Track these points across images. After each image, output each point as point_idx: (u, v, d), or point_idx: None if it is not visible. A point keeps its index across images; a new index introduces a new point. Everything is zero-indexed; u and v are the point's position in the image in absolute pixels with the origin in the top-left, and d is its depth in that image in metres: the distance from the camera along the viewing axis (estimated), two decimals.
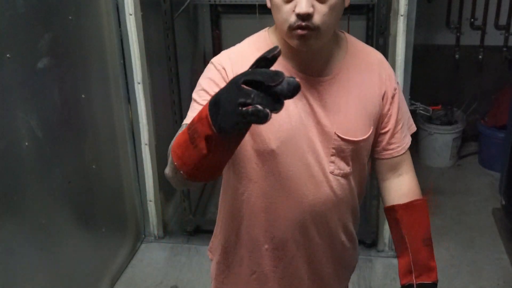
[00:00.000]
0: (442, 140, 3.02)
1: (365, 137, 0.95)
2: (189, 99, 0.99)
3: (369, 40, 2.64)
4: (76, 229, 1.85)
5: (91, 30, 1.90)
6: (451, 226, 2.50)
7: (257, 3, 2.16)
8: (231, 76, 0.88)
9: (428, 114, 2.22)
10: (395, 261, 2.18)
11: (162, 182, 2.31)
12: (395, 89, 0.98)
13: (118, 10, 1.99)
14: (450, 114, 3.04)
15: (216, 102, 0.63)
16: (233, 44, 0.97)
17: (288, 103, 0.80)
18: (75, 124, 1.83)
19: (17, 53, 1.46)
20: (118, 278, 2.11)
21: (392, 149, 1.02)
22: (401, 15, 1.89)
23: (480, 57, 3.05)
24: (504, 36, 2.99)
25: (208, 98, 0.77)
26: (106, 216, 2.09)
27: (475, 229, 2.47)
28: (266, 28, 0.97)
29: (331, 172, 0.95)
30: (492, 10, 2.97)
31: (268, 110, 0.57)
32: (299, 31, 0.82)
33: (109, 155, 2.09)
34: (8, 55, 1.43)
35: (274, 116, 0.73)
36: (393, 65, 1.98)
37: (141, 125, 2.17)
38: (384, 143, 1.00)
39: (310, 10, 0.81)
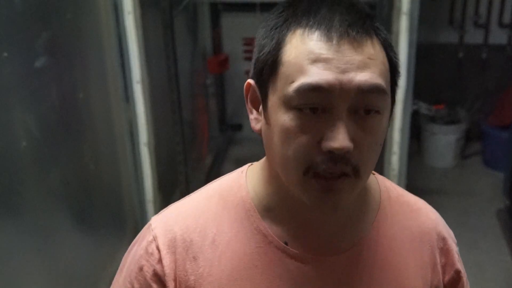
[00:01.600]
0: (445, 140, 2.99)
1: None
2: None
3: None
4: (74, 230, 1.84)
5: (89, 28, 1.88)
6: (454, 227, 2.45)
7: (258, 1, 2.14)
8: (171, 274, 0.57)
9: (431, 113, 2.19)
10: None
11: (161, 182, 2.30)
12: (458, 273, 0.63)
13: (117, 8, 1.98)
14: (454, 113, 3.01)
15: None
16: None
17: None
18: (73, 124, 1.81)
19: (14, 52, 1.45)
20: None
21: None
22: (404, 13, 1.87)
23: (483, 56, 3.02)
24: (508, 34, 2.96)
25: None
26: (105, 217, 2.08)
27: (478, 230, 2.45)
28: (246, 166, 0.62)
29: None
30: (496, 8, 2.94)
31: None
32: (325, 180, 0.49)
33: (108, 155, 2.08)
34: (5, 54, 1.41)
35: None
36: None
37: (140, 124, 2.16)
38: None
39: (350, 145, 0.48)
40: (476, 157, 3.12)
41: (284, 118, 0.49)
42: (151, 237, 0.59)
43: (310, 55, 0.48)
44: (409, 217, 0.62)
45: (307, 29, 0.49)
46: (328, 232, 0.57)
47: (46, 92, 1.63)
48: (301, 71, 0.48)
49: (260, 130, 0.55)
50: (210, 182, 0.63)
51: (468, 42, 3.03)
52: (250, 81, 0.55)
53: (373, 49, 0.49)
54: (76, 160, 1.83)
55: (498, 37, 2.98)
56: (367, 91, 0.48)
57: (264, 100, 0.53)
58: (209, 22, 2.86)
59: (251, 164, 0.62)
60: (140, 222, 2.36)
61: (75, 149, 1.82)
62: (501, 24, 2.97)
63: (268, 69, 0.51)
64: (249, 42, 2.46)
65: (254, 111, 0.56)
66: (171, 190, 2.46)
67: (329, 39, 0.47)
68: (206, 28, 2.87)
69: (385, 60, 0.51)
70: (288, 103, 0.49)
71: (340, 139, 0.47)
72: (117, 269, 0.71)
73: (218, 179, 0.63)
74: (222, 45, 2.87)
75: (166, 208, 0.63)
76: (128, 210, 2.28)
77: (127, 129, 2.17)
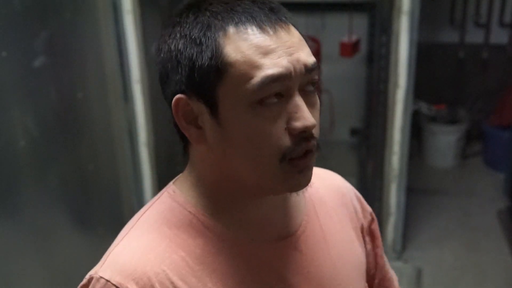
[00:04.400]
0: (446, 140, 2.98)
1: None
2: None
3: (371, 39, 2.60)
4: (72, 230, 1.83)
5: (88, 28, 1.87)
6: (455, 227, 2.47)
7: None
8: None
9: (431, 113, 2.18)
10: (398, 264, 2.16)
11: (160, 182, 2.29)
12: (371, 214, 0.70)
13: (116, 8, 1.97)
14: (454, 113, 3.00)
15: None
16: None
17: None
18: (72, 123, 1.80)
19: (13, 52, 1.44)
20: None
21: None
22: (404, 13, 1.86)
23: (484, 55, 3.01)
24: (509, 34, 2.95)
25: None
26: (103, 217, 2.07)
27: (479, 230, 2.44)
28: (171, 187, 0.59)
29: None
30: (497, 8, 2.93)
31: None
32: (300, 160, 0.51)
33: (107, 155, 2.07)
34: (4, 54, 1.40)
35: None
36: (396, 63, 1.95)
37: (139, 124, 2.15)
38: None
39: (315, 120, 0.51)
40: (477, 157, 3.11)
41: (248, 116, 0.50)
42: None
43: (259, 49, 0.49)
44: (323, 182, 0.66)
45: (239, 27, 0.50)
46: (283, 215, 0.59)
47: (45, 91, 1.62)
48: (256, 66, 0.49)
49: (204, 144, 0.54)
50: (136, 219, 0.58)
51: (468, 42, 3.02)
52: (181, 96, 0.52)
53: (296, 32, 0.53)
54: (74, 160, 1.82)
55: (498, 36, 2.97)
56: (311, 68, 0.51)
57: (214, 109, 0.51)
58: None
59: (173, 184, 0.60)
60: None
61: (73, 149, 1.82)
62: (502, 24, 2.96)
63: (214, 77, 0.50)
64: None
65: (192, 127, 0.54)
66: None
67: (265, 31, 0.50)
68: None
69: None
70: (250, 100, 0.49)
71: (308, 117, 0.50)
72: None
73: (144, 211, 0.58)
74: None
75: (106, 258, 0.55)
76: (127, 211, 2.27)
77: (126, 129, 2.16)
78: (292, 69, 0.49)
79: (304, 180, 0.53)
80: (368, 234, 0.69)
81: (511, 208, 2.43)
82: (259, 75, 0.48)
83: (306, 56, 0.51)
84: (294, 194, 0.58)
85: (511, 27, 2.94)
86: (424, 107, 2.23)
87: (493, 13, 2.94)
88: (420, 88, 2.17)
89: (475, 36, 3.00)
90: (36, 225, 1.59)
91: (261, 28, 0.50)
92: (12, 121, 1.46)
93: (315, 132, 0.52)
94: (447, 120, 2.99)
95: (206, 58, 0.50)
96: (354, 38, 2.24)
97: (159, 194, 0.60)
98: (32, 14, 1.53)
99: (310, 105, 0.52)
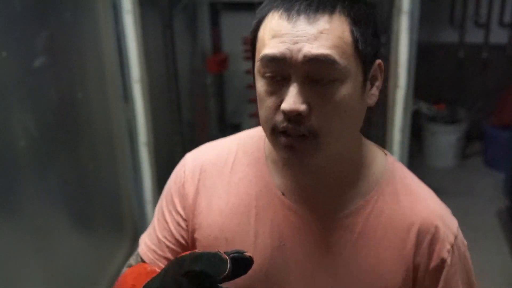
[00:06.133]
0: (446, 140, 2.98)
1: None
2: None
3: None
4: (72, 230, 1.83)
5: (88, 27, 1.87)
6: None
7: (257, 1, 2.13)
8: (190, 195, 0.70)
9: (431, 113, 2.18)
10: None
11: (160, 182, 2.29)
12: (443, 262, 0.65)
13: (116, 7, 1.97)
14: (454, 113, 3.01)
15: None
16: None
17: (263, 244, 0.64)
18: (72, 123, 1.80)
19: (13, 52, 1.44)
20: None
21: None
22: (404, 13, 1.86)
23: (484, 55, 3.01)
24: (509, 34, 2.96)
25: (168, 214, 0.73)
26: (103, 217, 2.07)
27: (479, 230, 2.44)
28: None
29: None
30: (496, 8, 2.93)
31: None
32: (284, 138, 0.57)
33: (106, 155, 2.07)
34: (4, 54, 1.40)
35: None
36: (396, 63, 1.95)
37: (139, 124, 2.15)
38: None
39: (302, 107, 0.55)
40: (477, 157, 3.11)
41: (258, 85, 0.60)
42: (183, 163, 0.74)
43: (271, 32, 0.57)
44: (406, 199, 0.66)
45: (275, 11, 0.58)
46: (318, 193, 0.65)
47: (45, 91, 1.62)
48: (264, 45, 0.58)
49: None
50: (235, 135, 0.75)
51: (468, 42, 3.02)
52: None
53: (328, 24, 0.56)
54: (74, 160, 1.82)
55: (498, 36, 2.97)
56: (314, 60, 0.55)
57: (253, 70, 0.63)
58: (209, 22, 2.85)
59: None
60: (139, 222, 2.35)
61: (73, 149, 1.82)
62: (501, 24, 2.96)
63: (251, 45, 0.62)
64: (248, 41, 2.44)
65: None
66: None
67: (288, 17, 0.56)
68: (206, 27, 2.86)
69: (345, 34, 0.56)
70: (259, 72, 0.59)
71: (290, 102, 0.55)
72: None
73: (240, 133, 0.75)
74: (222, 45, 2.87)
75: (196, 151, 0.75)
76: (127, 211, 2.27)
77: (126, 129, 2.16)
78: (288, 55, 0.55)
79: (294, 158, 0.59)
80: (422, 277, 0.65)
81: (511, 208, 2.43)
82: (262, 52, 0.57)
83: (313, 48, 0.55)
84: (351, 177, 0.64)
85: (511, 27, 2.94)
86: (424, 107, 2.23)
87: (493, 13, 2.94)
88: (420, 88, 2.17)
89: (475, 36, 3.00)
90: (36, 225, 1.59)
91: (287, 15, 0.56)
92: (12, 121, 1.46)
93: (311, 120, 0.56)
94: (447, 120, 2.99)
95: (252, 29, 0.62)
96: None
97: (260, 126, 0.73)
98: (32, 14, 1.53)
99: (321, 96, 0.56)
